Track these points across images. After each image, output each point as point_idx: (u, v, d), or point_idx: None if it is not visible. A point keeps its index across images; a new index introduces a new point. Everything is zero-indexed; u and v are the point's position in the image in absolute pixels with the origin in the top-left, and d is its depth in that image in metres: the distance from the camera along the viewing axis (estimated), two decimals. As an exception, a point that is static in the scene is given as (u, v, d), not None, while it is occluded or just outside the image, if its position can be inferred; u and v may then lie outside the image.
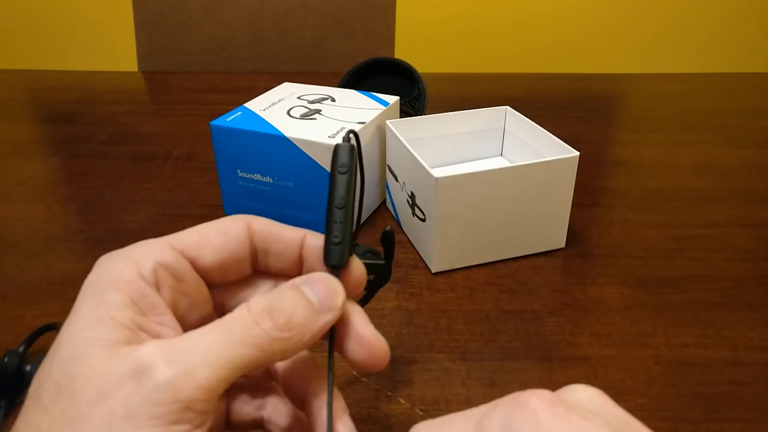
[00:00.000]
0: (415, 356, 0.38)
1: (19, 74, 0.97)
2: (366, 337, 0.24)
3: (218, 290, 0.26)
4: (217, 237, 0.24)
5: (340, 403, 0.24)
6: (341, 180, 0.24)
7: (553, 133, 0.50)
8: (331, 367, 0.23)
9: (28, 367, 0.34)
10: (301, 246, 0.25)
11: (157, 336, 0.21)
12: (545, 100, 0.84)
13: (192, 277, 0.24)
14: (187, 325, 0.24)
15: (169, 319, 0.22)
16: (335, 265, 0.24)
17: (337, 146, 0.24)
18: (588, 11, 1.59)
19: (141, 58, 1.05)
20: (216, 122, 0.50)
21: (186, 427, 0.19)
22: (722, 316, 0.42)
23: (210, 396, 0.19)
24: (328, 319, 0.23)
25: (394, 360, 0.38)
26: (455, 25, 1.61)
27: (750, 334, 0.40)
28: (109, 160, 0.66)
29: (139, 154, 0.67)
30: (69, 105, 0.83)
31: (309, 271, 0.25)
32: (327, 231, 0.24)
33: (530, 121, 0.53)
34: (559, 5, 1.58)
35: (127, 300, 0.21)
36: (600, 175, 0.62)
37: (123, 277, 0.21)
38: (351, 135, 0.24)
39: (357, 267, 0.25)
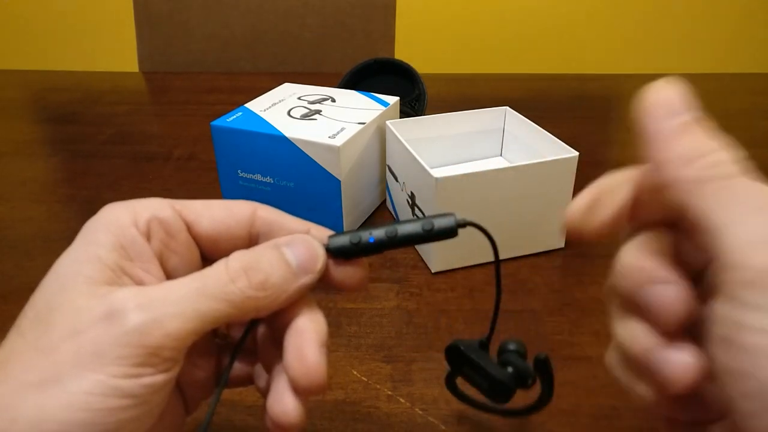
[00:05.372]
0: (415, 356, 0.38)
1: (20, 74, 0.98)
2: (307, 358, 0.22)
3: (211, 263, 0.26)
4: (220, 211, 0.25)
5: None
6: (419, 231, 0.23)
7: (552, 133, 0.50)
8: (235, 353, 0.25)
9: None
10: None
11: (140, 282, 0.22)
12: (545, 100, 0.84)
13: (184, 237, 0.25)
14: None
15: (155, 268, 0.23)
16: (334, 251, 0.24)
17: (448, 220, 0.23)
18: (588, 11, 1.59)
19: (142, 58, 1.05)
20: (216, 122, 0.50)
21: (150, 370, 0.20)
22: (722, 315, 0.42)
23: (177, 345, 0.21)
24: (305, 281, 0.23)
25: (394, 360, 0.38)
26: (455, 25, 1.61)
27: (749, 333, 0.40)
28: (109, 160, 0.66)
29: (140, 154, 0.67)
30: (70, 105, 0.83)
31: None
32: (360, 229, 0.24)
33: (530, 121, 0.53)
34: (559, 6, 1.58)
35: (116, 243, 0.22)
36: (600, 175, 0.62)
37: (117, 222, 0.23)
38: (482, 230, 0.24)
39: (352, 272, 0.25)
